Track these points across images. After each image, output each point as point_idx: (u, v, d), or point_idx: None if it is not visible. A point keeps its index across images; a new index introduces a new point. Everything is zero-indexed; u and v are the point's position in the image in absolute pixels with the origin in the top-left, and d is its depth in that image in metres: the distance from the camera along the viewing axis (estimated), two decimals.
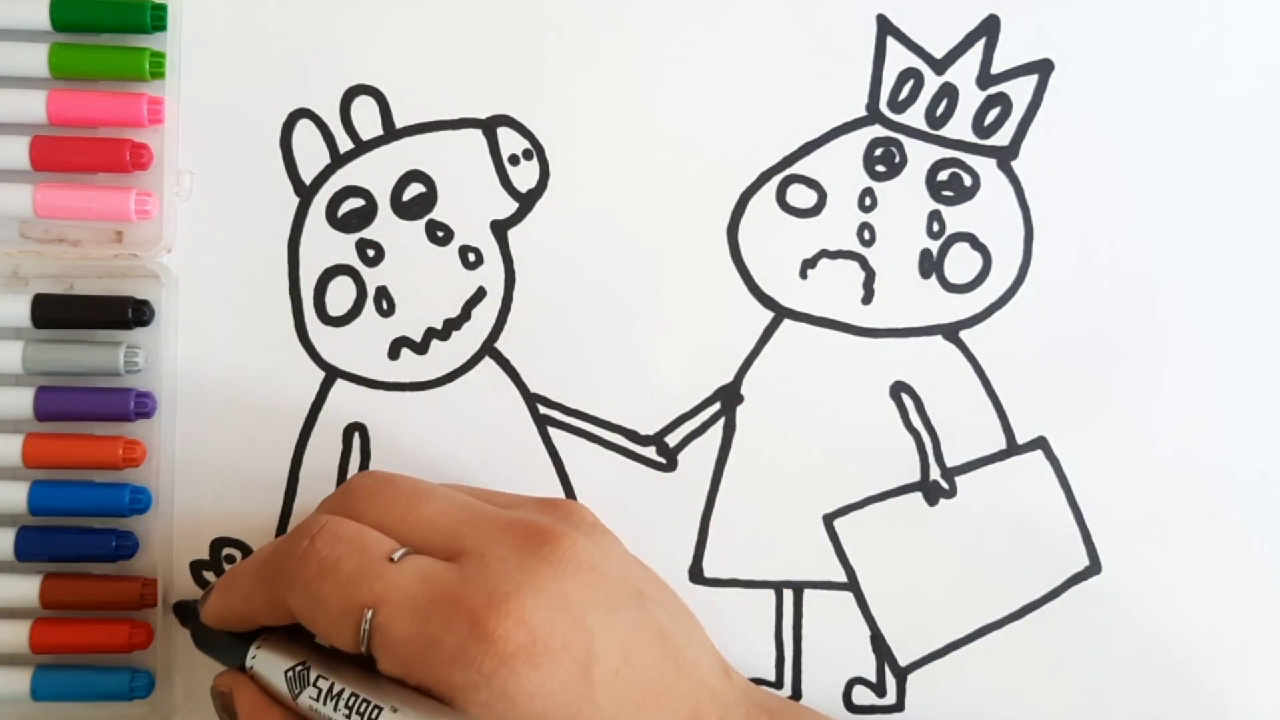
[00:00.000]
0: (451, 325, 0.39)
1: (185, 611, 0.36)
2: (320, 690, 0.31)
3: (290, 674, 0.31)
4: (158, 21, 0.37)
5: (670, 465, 0.39)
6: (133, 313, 0.37)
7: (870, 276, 0.39)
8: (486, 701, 0.29)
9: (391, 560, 0.30)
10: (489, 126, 0.39)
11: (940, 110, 0.39)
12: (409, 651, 0.29)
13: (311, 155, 0.38)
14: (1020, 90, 0.39)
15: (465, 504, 0.33)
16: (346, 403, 0.38)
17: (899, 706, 0.39)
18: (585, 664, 0.30)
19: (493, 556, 0.31)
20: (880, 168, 0.39)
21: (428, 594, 0.30)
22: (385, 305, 0.38)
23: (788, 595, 0.39)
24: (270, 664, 0.32)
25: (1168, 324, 0.40)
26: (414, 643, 0.29)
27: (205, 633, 0.34)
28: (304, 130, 0.38)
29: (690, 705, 0.32)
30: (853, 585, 0.39)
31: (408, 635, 0.29)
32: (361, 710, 0.30)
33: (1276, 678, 0.40)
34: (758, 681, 0.39)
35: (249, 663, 0.33)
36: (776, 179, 0.39)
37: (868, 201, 0.39)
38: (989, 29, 0.39)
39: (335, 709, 0.30)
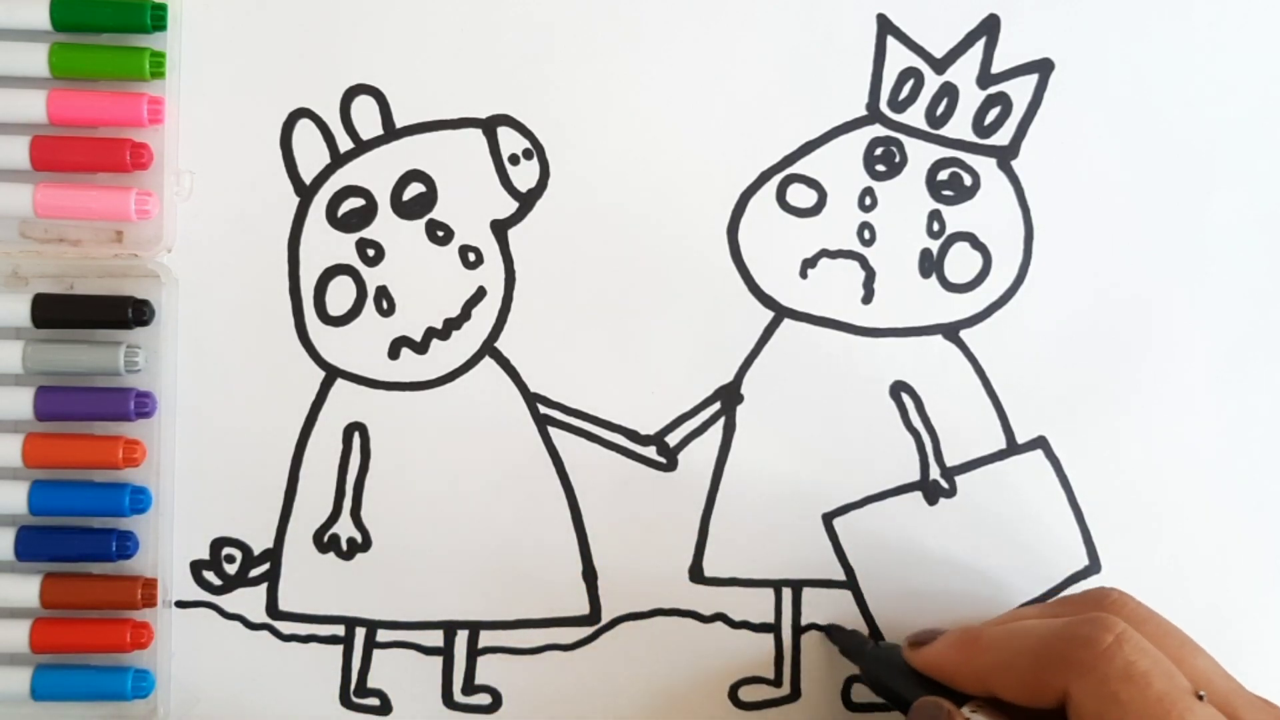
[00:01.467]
0: (451, 325, 0.39)
1: (848, 640, 0.38)
2: None
3: None
4: (158, 21, 0.37)
5: (670, 465, 0.39)
6: (133, 313, 0.37)
7: (870, 276, 0.39)
8: None
9: (1199, 697, 0.30)
10: (489, 126, 0.39)
11: (940, 110, 0.39)
12: None
13: (311, 155, 0.38)
14: (1020, 90, 0.39)
15: (1224, 670, 0.33)
16: (346, 402, 0.38)
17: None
18: None
19: None
20: (880, 167, 0.39)
21: None
22: (385, 305, 0.38)
23: (787, 594, 0.39)
24: None
25: (1167, 323, 0.40)
26: None
27: (886, 669, 0.36)
28: (304, 130, 0.38)
29: None
30: (852, 584, 0.39)
31: None
32: None
33: (1276, 677, 0.40)
34: (757, 681, 0.39)
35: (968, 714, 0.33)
36: (776, 179, 0.39)
37: (868, 201, 0.39)
38: (989, 29, 0.39)
39: None
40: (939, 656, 0.34)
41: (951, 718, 0.33)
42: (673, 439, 0.39)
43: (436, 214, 0.39)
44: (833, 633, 0.39)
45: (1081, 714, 0.30)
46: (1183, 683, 0.30)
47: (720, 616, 0.39)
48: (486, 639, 0.39)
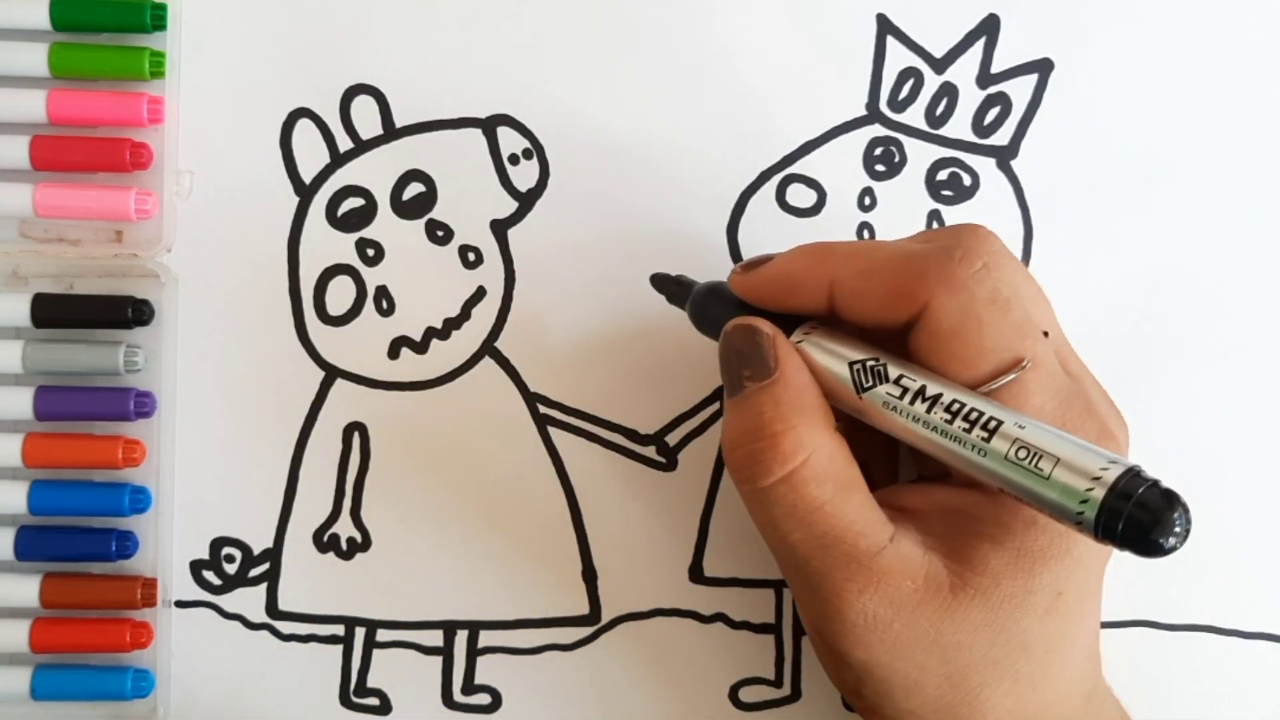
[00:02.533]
0: (451, 325, 0.39)
1: (671, 285, 0.36)
2: (907, 390, 0.30)
3: (859, 367, 0.30)
4: (158, 21, 0.37)
5: (670, 465, 0.39)
6: (133, 312, 0.37)
7: None
8: None
9: (1045, 334, 0.31)
10: (489, 126, 0.39)
11: (940, 110, 0.39)
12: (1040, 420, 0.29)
13: (311, 155, 0.38)
14: (1020, 90, 0.39)
15: (1058, 328, 0.33)
16: (346, 402, 0.38)
17: None
18: None
19: (1097, 389, 0.33)
20: (880, 167, 0.39)
21: (1066, 384, 0.31)
22: (385, 305, 0.38)
23: (787, 594, 0.39)
24: (824, 352, 0.31)
25: (1167, 324, 0.40)
26: (1047, 415, 0.30)
27: (713, 304, 0.34)
28: (304, 130, 0.38)
29: None
30: None
31: (1045, 406, 0.30)
32: (972, 418, 0.29)
33: (1275, 678, 0.40)
34: (757, 681, 0.39)
35: (799, 340, 0.32)
36: (776, 178, 0.39)
37: (867, 201, 0.39)
38: (989, 28, 0.39)
39: (930, 410, 0.29)
40: (780, 268, 0.33)
41: (771, 340, 0.32)
42: (673, 439, 0.39)
43: (436, 214, 0.39)
44: (655, 280, 0.37)
45: (938, 328, 0.30)
46: (1035, 318, 0.31)
47: (720, 617, 0.39)
48: (486, 639, 0.39)
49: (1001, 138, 0.39)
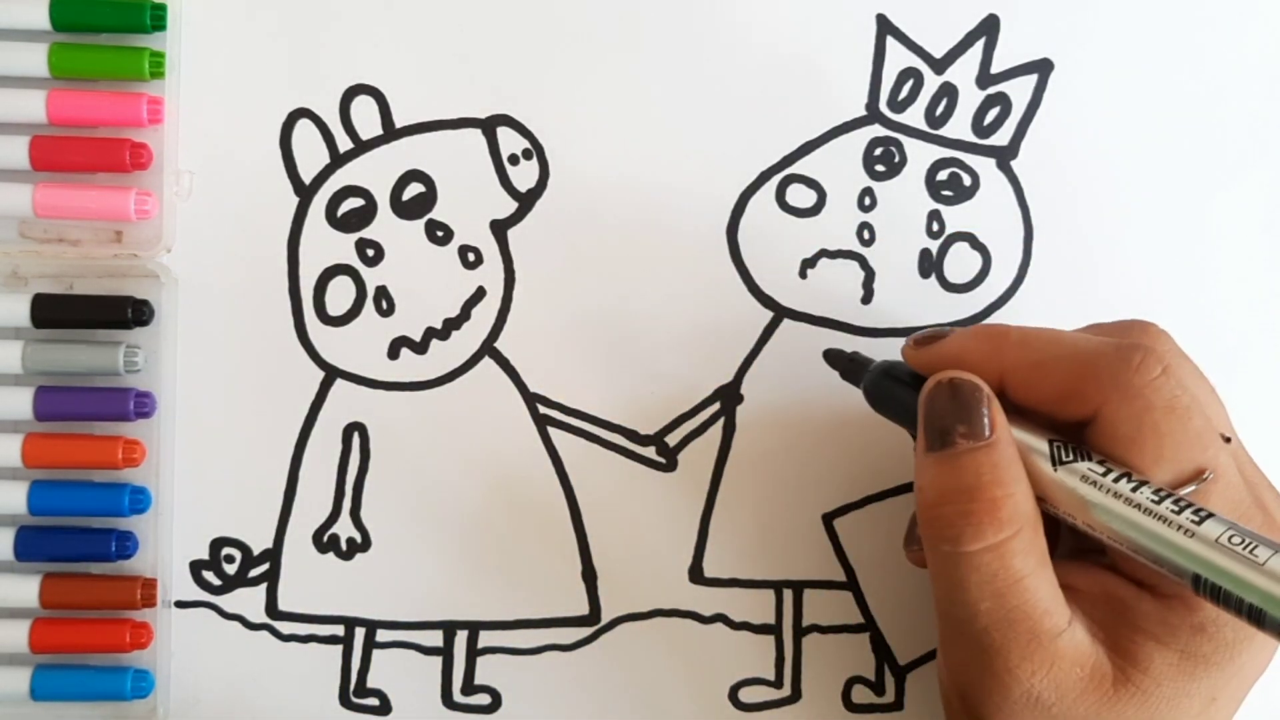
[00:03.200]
0: (451, 325, 0.39)
1: (845, 361, 0.36)
2: (1111, 470, 0.29)
3: (1057, 446, 0.30)
4: (158, 21, 0.37)
5: (670, 465, 0.39)
6: (133, 313, 0.37)
7: (870, 276, 0.39)
8: None
9: (1225, 440, 0.30)
10: (489, 126, 0.39)
11: (940, 110, 0.39)
12: None
13: (311, 155, 0.38)
14: (1020, 90, 0.39)
15: (1234, 430, 0.33)
16: (346, 402, 0.38)
17: (898, 705, 0.39)
18: None
19: (1271, 503, 0.31)
20: (880, 167, 0.39)
21: (1245, 495, 0.30)
22: (385, 305, 0.38)
23: (788, 595, 0.39)
24: (1015, 433, 0.31)
25: (1166, 323, 0.40)
26: None
27: (889, 382, 0.34)
28: (304, 130, 0.38)
29: None
30: (852, 585, 0.39)
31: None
32: (1181, 503, 0.28)
33: (1275, 677, 0.40)
34: (757, 682, 0.39)
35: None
36: (776, 179, 0.39)
37: (867, 201, 0.39)
38: (989, 29, 0.39)
39: (1136, 490, 0.29)
40: (956, 347, 0.32)
41: (990, 401, 0.31)
42: (673, 439, 0.39)
43: (436, 214, 0.39)
44: (829, 356, 0.37)
45: (1114, 433, 0.30)
46: (1214, 425, 0.30)
47: (720, 617, 0.39)
48: (486, 639, 0.39)
49: (1001, 138, 0.39)
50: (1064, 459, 0.30)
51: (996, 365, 0.32)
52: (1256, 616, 0.27)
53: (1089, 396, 0.30)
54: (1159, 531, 0.28)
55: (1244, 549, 0.27)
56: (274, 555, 0.38)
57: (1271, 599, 0.26)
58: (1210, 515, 0.28)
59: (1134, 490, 0.29)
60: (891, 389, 0.34)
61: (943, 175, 0.39)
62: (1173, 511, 0.28)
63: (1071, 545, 0.34)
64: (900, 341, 0.39)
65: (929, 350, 0.33)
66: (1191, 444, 0.30)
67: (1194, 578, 0.28)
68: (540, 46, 0.39)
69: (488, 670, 0.39)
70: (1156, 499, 0.28)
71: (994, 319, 0.39)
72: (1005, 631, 0.30)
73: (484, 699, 0.39)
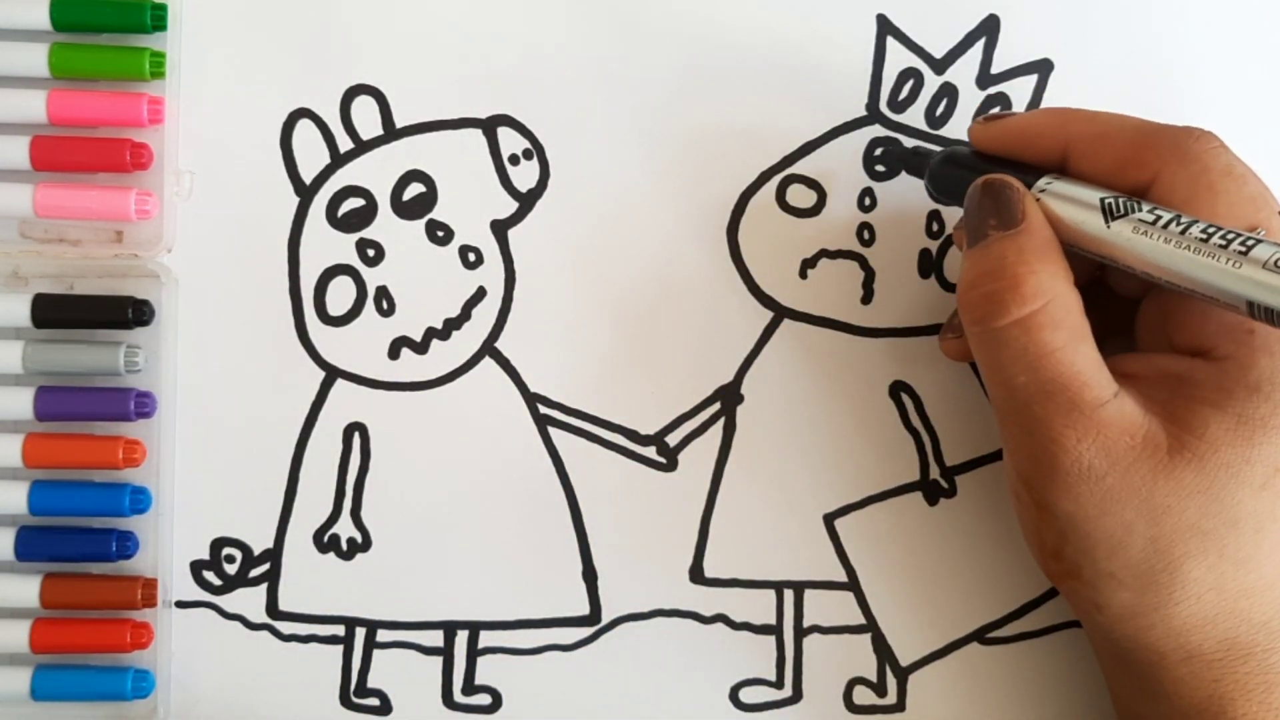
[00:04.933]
0: (451, 325, 0.39)
1: (906, 155, 0.37)
2: (1161, 217, 0.30)
3: (1110, 200, 0.31)
4: (158, 21, 0.37)
5: (670, 465, 0.39)
6: (133, 313, 0.37)
7: (870, 276, 0.39)
8: None
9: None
10: (489, 126, 0.39)
11: (940, 110, 0.39)
12: None
13: (311, 155, 0.38)
14: (1020, 90, 0.39)
15: None
16: (346, 403, 0.38)
17: (900, 706, 0.39)
18: None
19: None
20: (880, 167, 0.39)
21: None
22: (385, 305, 0.38)
23: (788, 595, 0.39)
24: (1069, 197, 0.32)
25: None
26: None
27: (952, 168, 0.35)
28: (304, 130, 0.38)
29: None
30: (853, 585, 0.39)
31: None
32: (1229, 237, 0.29)
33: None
34: (758, 683, 0.39)
35: (1041, 189, 0.32)
36: (776, 179, 0.39)
37: (867, 201, 0.39)
38: (989, 29, 0.39)
39: (1184, 232, 0.29)
40: (1017, 122, 0.34)
41: (1020, 193, 0.32)
42: (673, 439, 0.39)
43: (436, 214, 0.39)
44: (888, 156, 0.38)
45: (1170, 196, 0.31)
46: (1273, 197, 0.31)
47: (721, 618, 0.39)
48: (486, 639, 0.39)
49: None
50: (1116, 213, 0.31)
51: (1061, 136, 0.33)
52: None
53: (1148, 162, 0.31)
54: (1210, 263, 0.29)
55: None
56: (274, 555, 0.38)
57: None
58: (1259, 241, 0.28)
59: (1183, 232, 0.29)
60: (954, 175, 0.35)
61: None
62: (1220, 245, 0.29)
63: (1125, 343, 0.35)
64: (900, 341, 0.39)
65: (996, 125, 0.35)
66: (1245, 204, 0.30)
67: (1247, 304, 0.28)
68: (540, 46, 0.39)
69: (488, 670, 0.39)
70: (1205, 236, 0.29)
71: None
72: (1045, 404, 0.31)
73: (484, 699, 0.39)
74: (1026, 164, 0.34)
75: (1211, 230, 0.29)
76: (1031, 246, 0.31)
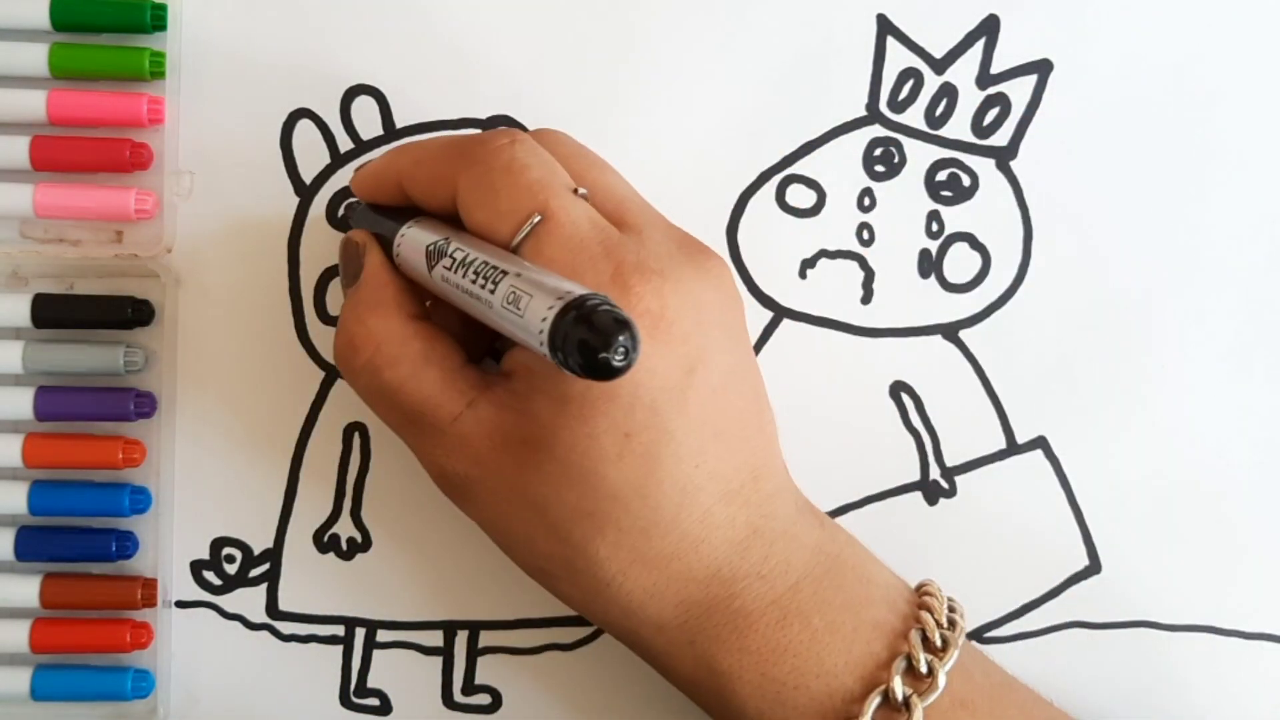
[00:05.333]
0: None
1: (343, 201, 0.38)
2: (454, 260, 0.30)
3: (432, 247, 0.31)
4: (158, 21, 0.37)
5: None
6: (133, 312, 0.37)
7: (869, 276, 0.39)
8: None
9: (574, 192, 0.32)
10: (489, 126, 0.39)
11: (940, 110, 0.39)
12: (551, 269, 0.29)
13: (311, 155, 0.38)
14: (1019, 90, 0.39)
15: (636, 192, 0.34)
16: (346, 403, 0.38)
17: None
18: (692, 364, 0.31)
19: (652, 240, 0.32)
20: (879, 168, 0.39)
21: (589, 234, 0.31)
22: None
23: None
24: (417, 239, 0.32)
25: (1167, 323, 0.40)
26: (558, 263, 0.30)
27: (359, 209, 0.36)
28: (304, 130, 0.38)
29: (755, 461, 0.32)
30: None
31: (556, 256, 0.30)
32: (488, 275, 0.29)
33: (1275, 678, 0.40)
34: None
35: (399, 237, 0.33)
36: (776, 179, 0.39)
37: (867, 201, 0.39)
38: (989, 29, 0.39)
39: (464, 275, 0.30)
40: (369, 169, 0.35)
41: (359, 249, 0.34)
42: None
43: None
44: (346, 211, 0.38)
45: (465, 205, 0.31)
46: (564, 178, 0.32)
47: None
48: (486, 639, 0.39)
49: (1001, 138, 0.39)
50: (432, 264, 0.31)
51: (394, 173, 0.34)
52: (541, 352, 0.27)
53: (448, 177, 0.32)
54: (477, 308, 0.29)
55: (514, 307, 0.28)
56: (274, 555, 0.38)
57: (535, 340, 0.26)
58: (501, 279, 0.28)
59: (462, 276, 0.30)
60: (348, 229, 0.36)
61: (942, 175, 0.39)
62: (480, 287, 0.29)
63: None
64: (900, 341, 0.39)
65: (359, 174, 0.35)
66: (522, 194, 0.31)
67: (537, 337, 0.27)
68: (540, 46, 0.39)
69: (488, 670, 0.39)
70: (475, 278, 0.29)
71: (994, 319, 0.39)
72: (414, 432, 0.33)
73: (484, 699, 0.39)
74: (408, 208, 0.34)
75: (480, 268, 0.29)
76: (364, 299, 0.33)
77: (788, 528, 0.33)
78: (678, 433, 0.31)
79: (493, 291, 0.28)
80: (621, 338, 0.25)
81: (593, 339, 0.25)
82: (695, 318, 0.31)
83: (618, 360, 0.25)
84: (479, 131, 0.33)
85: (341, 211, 0.38)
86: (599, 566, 0.31)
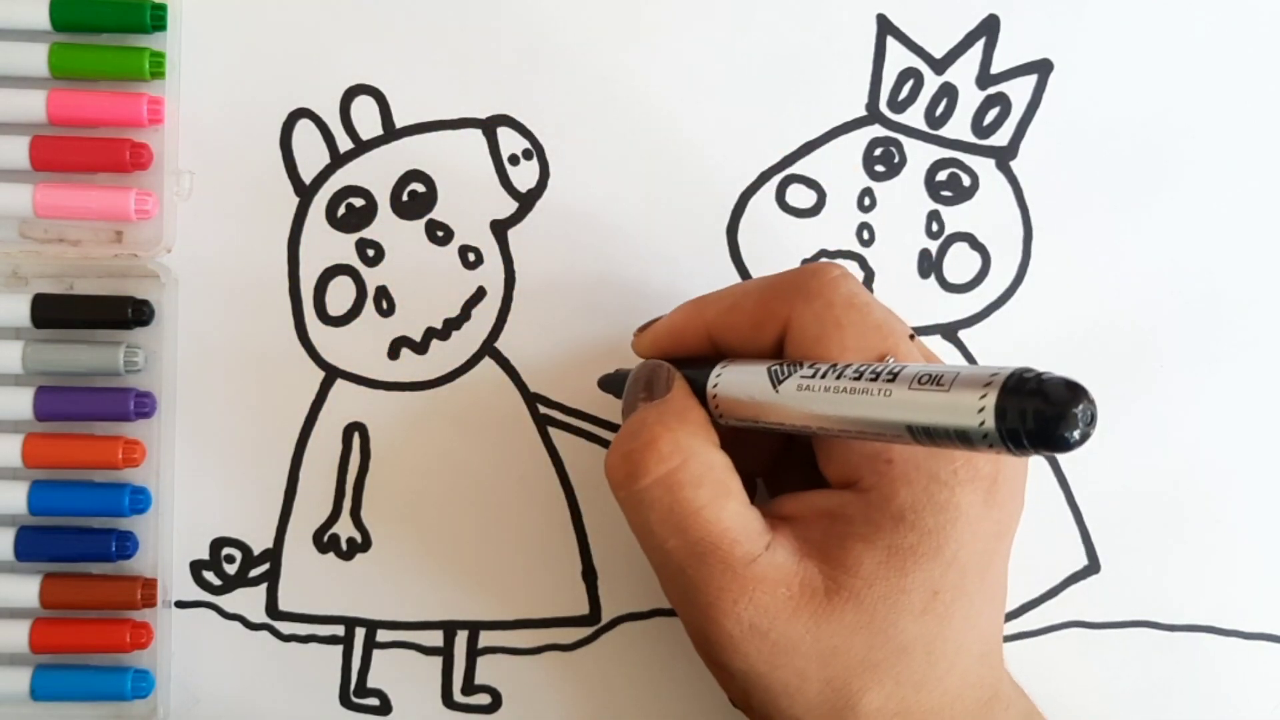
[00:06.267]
0: (451, 325, 0.39)
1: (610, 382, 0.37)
2: (817, 370, 0.30)
3: (774, 369, 0.31)
4: (158, 21, 0.37)
5: None
6: (133, 312, 0.37)
7: (869, 276, 0.39)
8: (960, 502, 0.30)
9: (910, 338, 0.32)
10: (489, 126, 0.39)
11: (940, 110, 0.39)
12: None
13: (311, 155, 0.38)
14: (1019, 90, 0.39)
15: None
16: (346, 403, 0.38)
17: None
18: (1003, 530, 0.31)
19: None
20: (880, 168, 0.39)
21: None
22: (385, 305, 0.38)
23: None
24: (739, 374, 0.32)
25: (1167, 324, 0.40)
26: None
27: (616, 376, 0.36)
28: (304, 130, 0.38)
29: (1001, 621, 0.33)
30: None
31: None
32: (877, 371, 0.28)
33: (1275, 678, 0.40)
34: None
35: (715, 376, 0.32)
36: (776, 179, 0.39)
37: (867, 201, 0.39)
38: (989, 29, 0.39)
39: (838, 379, 0.29)
40: (663, 324, 0.35)
41: (669, 372, 0.33)
42: None
43: (436, 214, 0.39)
44: (603, 384, 0.38)
45: (801, 339, 0.31)
46: (900, 323, 0.32)
47: None
48: (486, 639, 0.39)
49: (1001, 138, 0.39)
50: (781, 378, 0.30)
51: (701, 323, 0.34)
52: (964, 438, 0.26)
53: (777, 312, 0.32)
54: (868, 400, 0.28)
55: (931, 385, 0.27)
56: (274, 555, 0.38)
57: (966, 422, 0.25)
58: (901, 371, 0.28)
59: (837, 378, 0.29)
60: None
61: (942, 175, 0.39)
62: (870, 381, 0.28)
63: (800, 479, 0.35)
64: None
65: (648, 332, 0.35)
66: (872, 333, 0.31)
67: (907, 428, 0.27)
68: (540, 47, 0.39)
69: (488, 670, 0.39)
70: (857, 377, 0.29)
71: (993, 319, 0.39)
72: (698, 567, 0.30)
73: (484, 699, 0.39)
74: (703, 360, 0.33)
75: (862, 369, 0.29)
76: (671, 410, 0.32)
77: (1011, 691, 0.33)
78: (975, 596, 0.31)
79: (891, 380, 0.27)
80: (1080, 407, 0.23)
81: (1049, 410, 0.23)
82: (1018, 484, 0.31)
83: (1077, 434, 0.23)
84: (799, 267, 0.33)
85: (600, 381, 0.38)
86: (867, 716, 0.31)
